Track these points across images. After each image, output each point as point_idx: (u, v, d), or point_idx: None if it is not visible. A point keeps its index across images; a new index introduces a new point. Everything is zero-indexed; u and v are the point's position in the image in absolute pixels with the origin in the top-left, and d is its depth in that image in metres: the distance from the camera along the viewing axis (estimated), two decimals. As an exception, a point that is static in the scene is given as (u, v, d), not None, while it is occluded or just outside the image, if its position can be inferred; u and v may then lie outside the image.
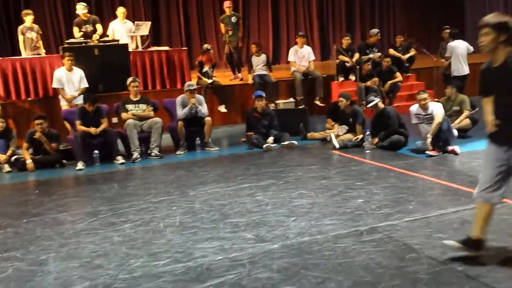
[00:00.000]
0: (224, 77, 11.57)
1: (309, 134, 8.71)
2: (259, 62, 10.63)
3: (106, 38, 9.71)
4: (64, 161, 7.84)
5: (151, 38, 11.59)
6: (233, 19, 11.32)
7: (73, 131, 8.09)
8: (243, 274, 3.64)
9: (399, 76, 10.87)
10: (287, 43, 15.70)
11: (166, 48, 10.94)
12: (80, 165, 7.54)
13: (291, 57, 11.00)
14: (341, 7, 16.83)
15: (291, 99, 10.64)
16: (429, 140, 6.93)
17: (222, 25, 11.46)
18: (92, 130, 7.78)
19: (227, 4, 11.47)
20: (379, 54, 11.40)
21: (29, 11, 9.79)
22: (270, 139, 8.27)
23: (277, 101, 10.41)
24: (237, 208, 5.20)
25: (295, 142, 8.23)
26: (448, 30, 11.06)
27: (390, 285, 3.35)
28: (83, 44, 9.31)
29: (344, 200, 5.24)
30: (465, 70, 10.45)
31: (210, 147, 8.38)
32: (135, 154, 7.85)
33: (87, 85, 8.72)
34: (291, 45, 12.80)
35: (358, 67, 10.71)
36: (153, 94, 9.66)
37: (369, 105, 7.85)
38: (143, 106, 8.25)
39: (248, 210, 5.12)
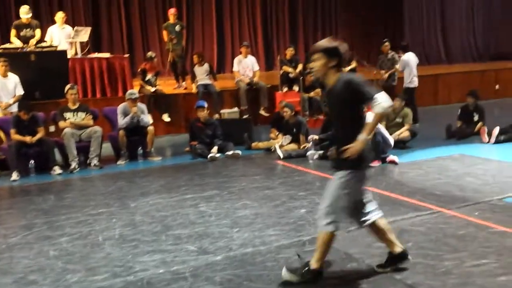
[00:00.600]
0: (167, 85, 11.43)
1: (253, 144, 8.73)
2: (202, 71, 10.59)
3: (43, 44, 9.37)
4: (-4, 171, 7.48)
5: (91, 44, 11.27)
6: (177, 27, 11.22)
7: (8, 140, 7.72)
8: (185, 287, 3.57)
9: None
10: (231, 52, 15.73)
11: (107, 55, 10.68)
12: (14, 175, 7.21)
13: (235, 67, 11.02)
14: (284, 18, 17.05)
15: (236, 109, 10.65)
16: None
17: (165, 33, 11.33)
18: (28, 139, 7.46)
19: (171, 12, 11.37)
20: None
21: None
22: (214, 149, 8.22)
23: (221, 111, 10.38)
24: (180, 219, 5.12)
25: (239, 152, 8.22)
26: (387, 43, 11.43)
27: (332, 295, 3.38)
28: (19, 50, 8.93)
29: (287, 210, 5.27)
30: (416, 82, 10.80)
31: (152, 156, 8.23)
32: (73, 164, 7.58)
33: (22, 92, 8.37)
34: (236, 54, 12.84)
35: (301, 78, 10.85)
36: (93, 102, 9.39)
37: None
38: (82, 115, 8.00)
39: (191, 221, 5.04)
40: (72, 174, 7.45)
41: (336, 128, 3.66)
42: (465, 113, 9.11)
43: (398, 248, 3.65)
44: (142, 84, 10.11)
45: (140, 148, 8.19)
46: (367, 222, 3.63)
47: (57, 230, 4.94)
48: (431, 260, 3.84)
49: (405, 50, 10.96)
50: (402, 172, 6.79)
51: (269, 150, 8.39)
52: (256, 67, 11.14)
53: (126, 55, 11.27)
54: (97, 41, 13.58)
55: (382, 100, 3.30)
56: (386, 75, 11.03)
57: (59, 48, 9.52)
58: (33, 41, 9.34)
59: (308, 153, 7.79)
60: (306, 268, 3.53)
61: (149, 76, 10.15)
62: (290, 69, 11.24)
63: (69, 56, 9.71)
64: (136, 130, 8.16)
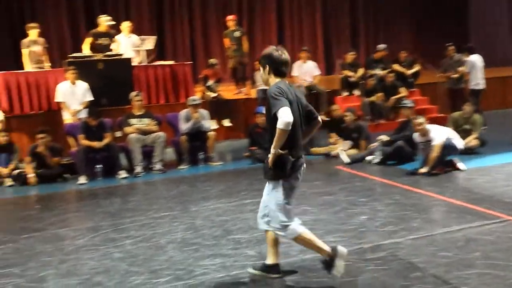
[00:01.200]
0: (228, 91, 11.57)
1: (312, 149, 8.66)
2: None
3: (110, 52, 9.74)
4: (66, 175, 7.82)
5: (156, 53, 11.60)
6: (237, 33, 11.34)
7: (76, 145, 8.07)
8: (245, 292, 3.59)
9: (403, 91, 10.83)
10: (291, 57, 15.68)
11: (171, 62, 10.96)
12: (82, 179, 7.51)
13: (295, 72, 11.00)
14: (345, 22, 16.86)
15: (295, 114, 10.59)
16: (423, 170, 6.75)
17: (226, 40, 11.49)
18: (95, 144, 7.77)
19: (230, 18, 11.51)
20: (386, 70, 11.29)
21: (35, 25, 9.79)
22: (273, 154, 8.21)
23: (280, 116, 10.36)
24: (240, 224, 5.15)
25: (299, 157, 8.17)
26: (452, 47, 11.04)
27: (394, 305, 3.28)
28: (87, 58, 9.33)
29: (347, 216, 5.18)
30: (483, 85, 10.44)
31: (213, 161, 8.35)
32: (138, 169, 7.82)
33: (91, 99, 8.72)
34: (295, 59, 12.78)
35: (362, 82, 10.68)
36: (156, 108, 9.65)
37: (401, 105, 7.73)
38: (146, 121, 8.24)
39: (250, 226, 5.05)
40: (136, 178, 7.68)
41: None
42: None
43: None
44: (204, 90, 10.28)
45: (201, 153, 8.33)
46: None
47: (122, 232, 5.10)
48: (501, 270, 3.66)
49: (471, 52, 10.57)
50: (469, 178, 6.52)
51: (329, 156, 8.30)
52: (316, 72, 11.08)
53: (189, 62, 11.51)
54: (161, 49, 13.96)
55: (283, 116, 3.26)
56: (456, 77, 10.59)
57: (125, 56, 9.86)
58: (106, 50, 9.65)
59: (369, 157, 7.62)
60: (264, 264, 3.77)
61: (210, 82, 10.32)
62: (351, 73, 11.09)
63: (134, 64, 10.03)
64: (197, 136, 8.31)
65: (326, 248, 3.65)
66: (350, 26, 16.91)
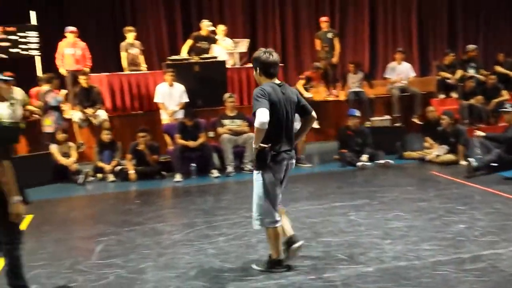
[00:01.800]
0: (318, 93, 11.52)
1: (406, 153, 8.42)
2: (355, 79, 10.50)
3: (206, 55, 10.07)
4: (163, 172, 8.19)
5: (248, 55, 11.84)
6: (329, 35, 11.28)
7: (173, 144, 8.44)
8: (336, 296, 3.58)
9: (505, 95, 10.21)
10: (383, 58, 15.34)
11: (262, 64, 11.09)
12: (178, 177, 7.83)
13: (388, 74, 10.74)
14: (442, 22, 16.15)
15: (387, 117, 10.36)
16: None
17: (317, 42, 11.45)
18: (191, 143, 8.07)
19: (323, 19, 11.46)
20: (485, 72, 10.71)
21: (131, 28, 10.35)
22: (364, 157, 8.09)
23: (372, 118, 10.19)
24: (330, 227, 5.13)
25: (390, 161, 7.99)
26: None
27: (495, 320, 3.12)
28: (185, 61, 9.71)
29: (444, 224, 4.99)
30: None
31: (302, 163, 8.36)
32: (229, 168, 8.02)
33: (187, 100, 9.07)
34: (388, 60, 12.49)
35: (460, 84, 10.20)
36: (248, 110, 9.81)
37: (501, 109, 7.35)
38: (238, 122, 8.44)
39: (340, 229, 5.02)
40: (228, 177, 7.88)
41: None
42: None
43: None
44: (301, 89, 10.28)
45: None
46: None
47: (215, 229, 5.26)
48: None
49: None
50: None
51: (423, 160, 8.02)
52: (411, 74, 10.75)
53: (281, 64, 11.59)
54: (253, 52, 14.20)
55: (259, 116, 3.62)
56: None
57: (219, 59, 10.14)
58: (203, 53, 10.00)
59: (471, 159, 7.14)
60: (268, 259, 4.08)
61: (311, 84, 10.34)
62: (448, 75, 10.64)
63: (228, 66, 10.29)
64: (287, 137, 8.35)
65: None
66: (447, 25, 16.20)
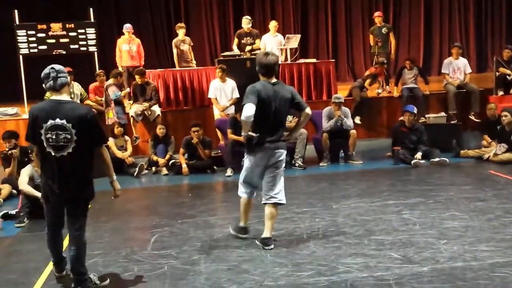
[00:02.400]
0: (370, 89, 11.34)
1: (462, 152, 8.17)
2: (410, 75, 10.26)
3: (257, 51, 10.10)
4: (215, 167, 8.30)
5: (300, 51, 11.80)
6: (384, 30, 11.07)
7: (224, 139, 8.53)
8: (389, 295, 3.53)
9: None
10: (439, 54, 14.93)
11: (314, 60, 11.05)
12: (229, 171, 7.92)
13: (444, 69, 10.43)
14: (501, 16, 15.55)
15: (443, 114, 10.06)
16: None
17: (371, 37, 11.27)
18: (242, 139, 8.10)
19: (377, 14, 11.26)
20: None
21: (182, 25, 10.56)
22: (418, 155, 7.91)
23: (427, 115, 9.93)
24: (382, 225, 5.06)
25: (446, 159, 7.78)
26: None
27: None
28: (237, 57, 9.78)
29: (502, 225, 4.82)
30: None
31: (354, 160, 8.28)
32: (280, 164, 8.03)
33: (238, 96, 9.13)
34: (444, 56, 12.18)
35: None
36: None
37: None
38: (289, 117, 8.41)
39: (394, 228, 4.95)
40: (278, 173, 7.88)
41: None
42: None
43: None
44: (367, 87, 10.17)
45: (342, 151, 8.30)
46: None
47: (264, 224, 5.26)
48: None
49: None
50: None
51: (481, 159, 7.77)
52: (468, 69, 10.39)
53: (332, 60, 11.50)
54: (304, 47, 14.14)
55: (244, 110, 4.31)
56: None
57: (271, 55, 10.14)
58: (248, 48, 10.14)
59: None
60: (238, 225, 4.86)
61: (379, 80, 10.25)
62: (508, 71, 10.22)
63: (279, 62, 10.29)
64: (338, 133, 8.30)
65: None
66: (506, 20, 15.56)
